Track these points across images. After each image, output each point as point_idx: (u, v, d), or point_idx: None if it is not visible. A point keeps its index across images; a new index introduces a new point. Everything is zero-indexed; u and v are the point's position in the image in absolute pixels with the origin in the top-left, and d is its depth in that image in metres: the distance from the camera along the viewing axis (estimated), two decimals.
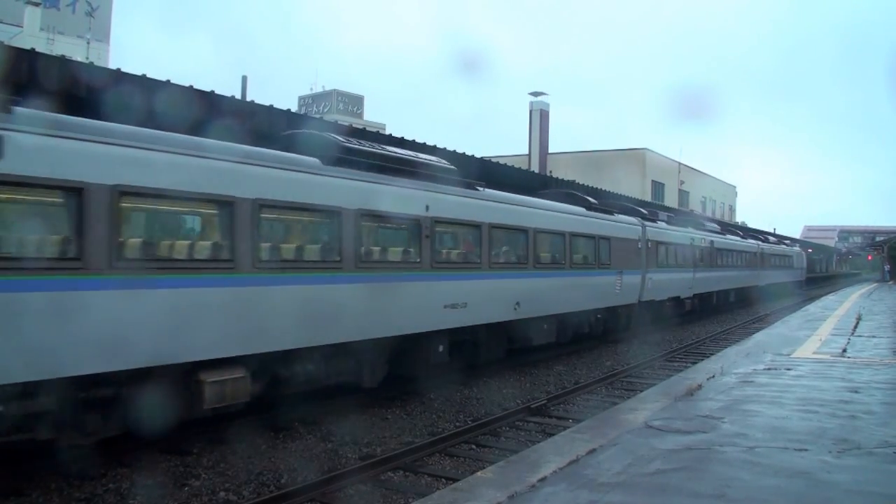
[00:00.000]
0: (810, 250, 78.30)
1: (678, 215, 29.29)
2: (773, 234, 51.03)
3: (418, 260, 11.16)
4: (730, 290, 32.16)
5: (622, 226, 19.39)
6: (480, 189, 13.10)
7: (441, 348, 11.75)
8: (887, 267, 59.77)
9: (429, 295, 11.36)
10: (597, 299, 17.62)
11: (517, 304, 13.53)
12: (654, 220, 22.33)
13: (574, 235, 16.38)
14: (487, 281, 12.81)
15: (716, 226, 32.66)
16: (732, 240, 33.53)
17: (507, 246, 14.15)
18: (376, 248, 10.88)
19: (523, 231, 14.14)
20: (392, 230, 11.69)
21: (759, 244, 38.64)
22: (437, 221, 11.55)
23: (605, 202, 20.66)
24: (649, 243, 20.90)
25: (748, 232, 42.36)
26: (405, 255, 11.22)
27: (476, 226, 12.66)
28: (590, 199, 18.60)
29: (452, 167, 12.74)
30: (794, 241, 60.68)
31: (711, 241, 28.38)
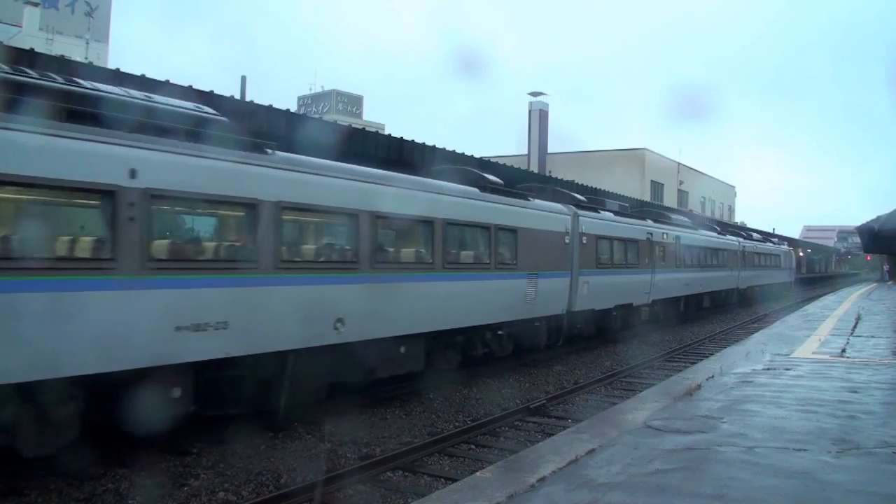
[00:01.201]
0: (809, 250, 78.48)
1: (641, 207, 25.93)
2: (759, 232, 47.76)
3: (110, 257, 7.14)
4: (703, 294, 28.02)
5: (538, 214, 14.96)
6: (270, 152, 8.97)
7: (177, 393, 7.76)
8: (886, 267, 59.82)
9: (138, 312, 7.29)
10: (493, 310, 13.33)
11: (339, 320, 9.52)
12: (594, 210, 18.37)
13: (451, 224, 12.04)
14: (270, 289, 8.66)
15: (686, 219, 28.59)
16: (706, 235, 29.13)
17: (326, 237, 10.76)
18: (8, 239, 6.92)
19: (350, 215, 10.02)
20: (52, 209, 7.49)
21: (739, 241, 34.57)
22: (158, 196, 7.49)
23: (529, 185, 17.18)
24: (584, 238, 16.62)
25: (728, 228, 38.32)
26: (94, 249, 7.27)
27: (250, 205, 8.49)
28: (489, 177, 14.33)
29: (220, 118, 8.76)
30: (782, 238, 55.60)
31: (677, 237, 24.12)
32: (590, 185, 26.93)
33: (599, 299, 17.52)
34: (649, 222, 22.23)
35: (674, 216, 26.92)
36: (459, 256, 12.68)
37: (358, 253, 10.15)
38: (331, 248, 10.54)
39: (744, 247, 34.80)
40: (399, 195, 10.91)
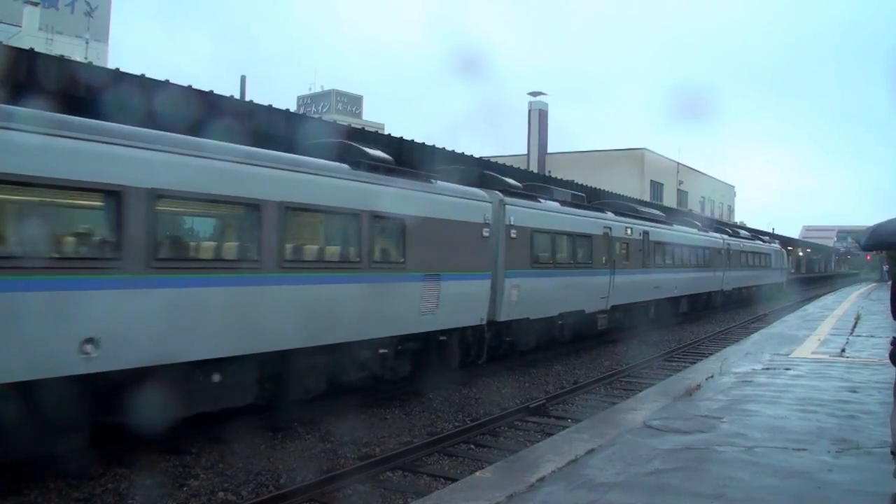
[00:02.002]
0: (809, 250, 78.56)
1: (603, 199, 23.15)
2: (748, 229, 45.21)
3: None
4: (678, 297, 24.90)
5: (441, 200, 11.90)
6: None
7: None
8: (886, 267, 59.85)
9: None
10: (368, 323, 10.26)
11: (88, 341, 6.89)
12: (532, 198, 15.40)
13: (294, 210, 9.19)
14: None
15: (658, 213, 25.68)
16: (681, 231, 25.86)
17: (65, 224, 7.69)
18: None
19: (109, 194, 7.21)
20: None
21: (723, 239, 31.42)
22: None
23: (451, 168, 14.23)
24: (513, 231, 13.85)
25: (711, 224, 34.63)
26: None
27: None
28: (371, 151, 11.20)
29: None
30: (774, 237, 51.33)
31: (644, 233, 21.24)
32: (589, 185, 26.92)
33: (537, 306, 14.76)
34: (609, 215, 19.25)
35: (642, 209, 24.02)
36: (309, 252, 9.73)
37: (121, 247, 7.24)
38: (78, 241, 7.44)
39: (729, 245, 31.97)
40: (200, 168, 8.06)
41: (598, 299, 17.72)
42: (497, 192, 13.93)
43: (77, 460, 7.14)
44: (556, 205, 16.40)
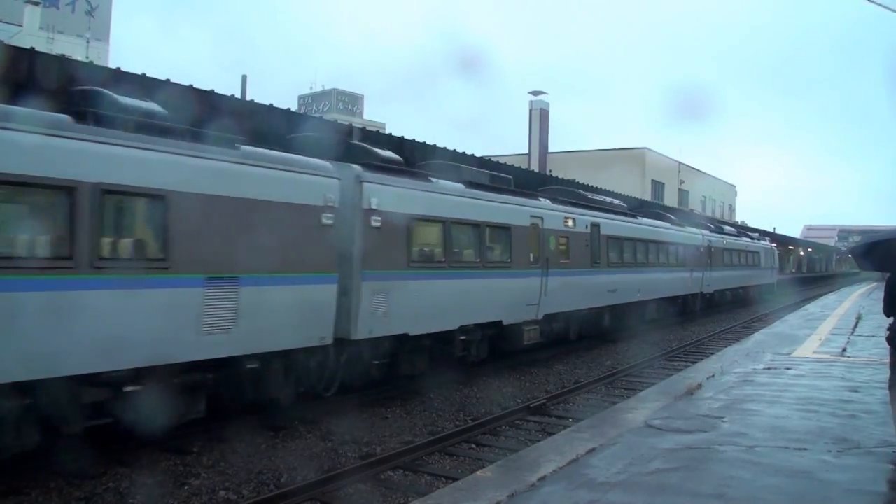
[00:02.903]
0: (810, 249, 78.59)
1: (555, 186, 19.75)
2: (734, 225, 42.99)
3: None
4: (644, 302, 20.89)
5: (246, 171, 8.58)
6: None
7: None
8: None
9: None
10: (94, 350, 7.00)
11: None
12: (421, 178, 12.08)
13: None
14: None
15: (618, 202, 22.06)
16: (647, 224, 22.21)
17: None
18: None
19: None
20: None
21: (703, 235, 27.82)
22: None
23: (305, 136, 11.02)
24: (377, 219, 10.30)
25: (690, 219, 31.09)
26: None
27: None
28: (127, 100, 8.00)
29: None
30: (763, 233, 46.55)
31: (592, 225, 17.50)
32: (590, 184, 26.89)
33: (420, 318, 11.26)
34: (544, 202, 15.81)
35: (594, 196, 20.47)
36: None
37: None
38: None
39: (710, 241, 28.41)
40: None
41: (523, 307, 14.22)
42: (354, 165, 10.40)
43: (77, 459, 7.15)
44: (458, 186, 12.72)
